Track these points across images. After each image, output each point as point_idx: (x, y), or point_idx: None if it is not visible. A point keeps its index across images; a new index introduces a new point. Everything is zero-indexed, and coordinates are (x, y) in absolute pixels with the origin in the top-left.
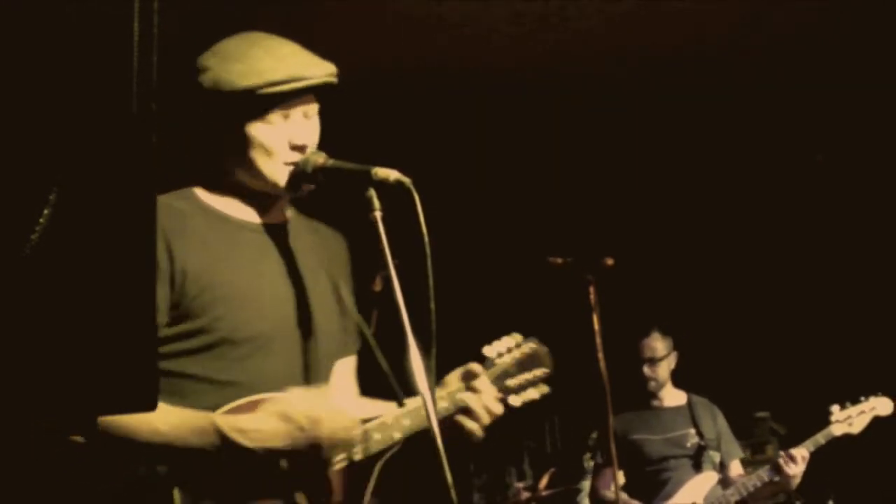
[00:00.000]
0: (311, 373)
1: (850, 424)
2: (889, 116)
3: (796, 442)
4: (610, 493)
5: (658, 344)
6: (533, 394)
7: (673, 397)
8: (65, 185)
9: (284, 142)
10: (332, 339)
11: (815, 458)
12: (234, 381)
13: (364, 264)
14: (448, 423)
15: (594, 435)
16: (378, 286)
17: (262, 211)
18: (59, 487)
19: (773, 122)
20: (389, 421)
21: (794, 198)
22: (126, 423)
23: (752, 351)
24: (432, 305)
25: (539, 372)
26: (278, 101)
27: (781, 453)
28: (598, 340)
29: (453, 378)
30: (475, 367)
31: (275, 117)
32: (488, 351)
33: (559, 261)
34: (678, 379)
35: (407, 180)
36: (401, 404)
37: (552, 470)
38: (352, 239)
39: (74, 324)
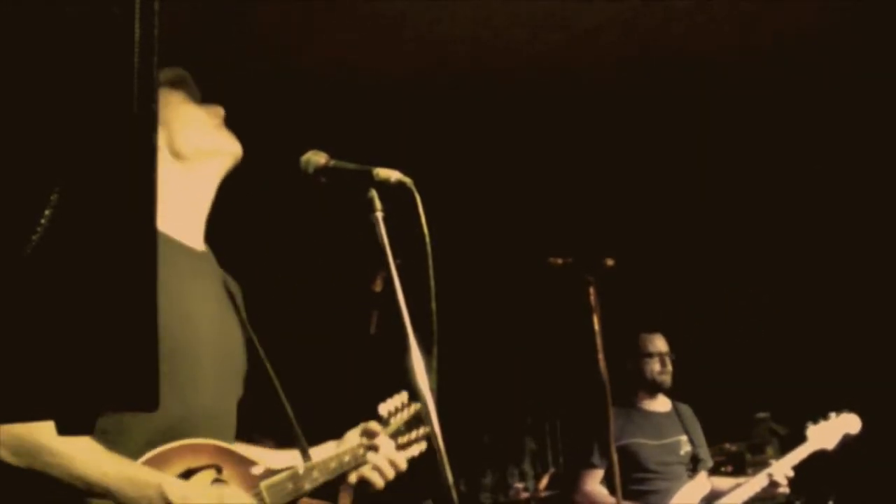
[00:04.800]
0: (224, 400)
1: (824, 440)
2: (889, 117)
3: (796, 442)
4: (606, 496)
5: (664, 342)
6: (415, 451)
7: (662, 402)
8: (66, 185)
9: None
10: (241, 371)
11: (816, 458)
12: (169, 411)
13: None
14: (346, 476)
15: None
16: (378, 287)
17: (191, 233)
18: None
19: (773, 123)
20: (301, 472)
21: (794, 199)
22: (68, 459)
23: (752, 352)
24: (433, 306)
25: (422, 431)
26: None
27: (768, 478)
28: (599, 341)
29: (353, 435)
30: (374, 425)
31: None
32: (383, 410)
33: (559, 261)
34: (679, 379)
35: (408, 181)
36: (307, 458)
37: (552, 470)
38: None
39: (75, 324)
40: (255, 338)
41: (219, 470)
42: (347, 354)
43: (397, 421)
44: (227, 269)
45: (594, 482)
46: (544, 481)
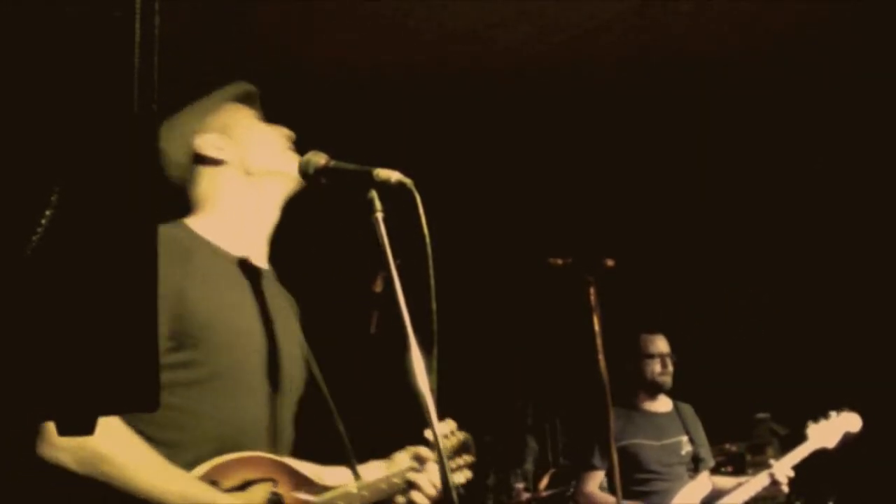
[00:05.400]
0: (280, 415)
1: (825, 439)
2: (890, 117)
3: (797, 442)
4: (604, 496)
5: (665, 343)
6: (460, 478)
7: (663, 402)
8: (66, 185)
9: None
10: (299, 387)
11: (816, 458)
12: (224, 419)
13: (364, 265)
14: (393, 499)
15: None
16: (378, 287)
17: (253, 248)
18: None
19: (773, 124)
20: (353, 491)
21: (794, 200)
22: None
23: (753, 352)
24: (433, 306)
25: (468, 458)
26: None
27: (770, 477)
28: (599, 341)
29: (402, 458)
30: (425, 451)
31: None
32: (430, 435)
33: (559, 262)
34: (679, 379)
35: (408, 181)
36: (357, 476)
37: (552, 471)
38: (352, 239)
39: (75, 324)
40: (311, 356)
41: (274, 483)
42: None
43: (445, 447)
44: None
45: (595, 483)
46: (544, 481)
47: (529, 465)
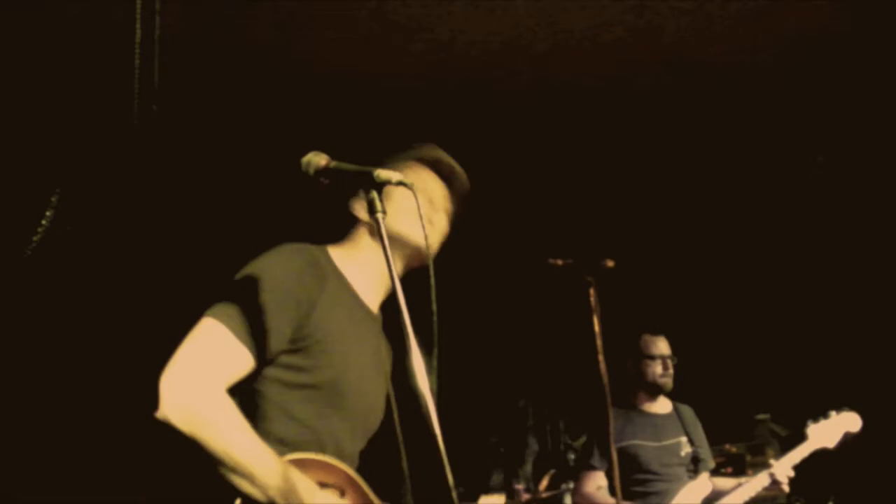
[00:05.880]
0: (355, 443)
1: (825, 439)
2: (889, 117)
3: (797, 443)
4: (604, 496)
5: (667, 344)
6: None
7: (663, 403)
8: (66, 185)
9: None
10: (374, 425)
11: (816, 458)
12: (310, 425)
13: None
14: None
15: (579, 442)
16: None
17: (372, 296)
18: None
19: (773, 125)
20: None
21: (794, 200)
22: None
23: (753, 353)
24: (434, 306)
25: None
26: None
27: (770, 477)
28: (599, 342)
29: None
30: None
31: None
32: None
33: (559, 262)
34: (679, 380)
35: (409, 182)
36: None
37: (552, 471)
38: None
39: (74, 324)
40: (393, 398)
41: (342, 493)
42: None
43: None
44: (226, 267)
45: (594, 483)
46: (545, 482)
47: (529, 466)
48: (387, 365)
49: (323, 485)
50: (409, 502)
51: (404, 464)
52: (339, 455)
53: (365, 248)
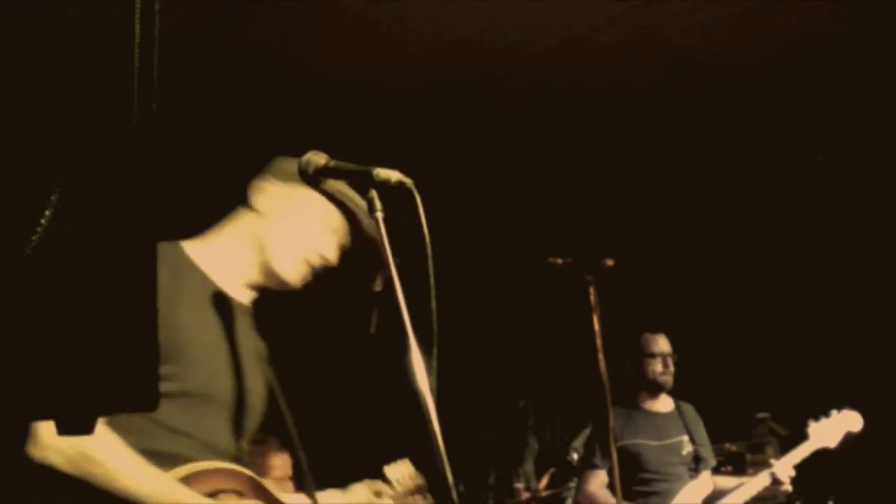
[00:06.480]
0: (245, 434)
1: (826, 438)
2: (889, 117)
3: (797, 442)
4: (606, 495)
5: (667, 342)
6: None
7: (664, 402)
8: (66, 186)
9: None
10: (257, 417)
11: (816, 458)
12: (193, 434)
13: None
14: None
15: (578, 442)
16: (378, 286)
17: (238, 287)
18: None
19: (773, 124)
20: None
21: (794, 199)
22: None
23: (753, 352)
24: (433, 305)
25: (420, 501)
26: None
27: (771, 476)
28: (598, 341)
29: (360, 489)
30: (384, 486)
31: None
32: (389, 474)
33: (559, 261)
34: (679, 379)
35: (408, 181)
36: (315, 502)
37: (552, 470)
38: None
39: (75, 324)
40: (279, 388)
41: (241, 496)
42: (348, 360)
43: (402, 486)
44: None
45: (596, 482)
46: (545, 481)
47: (530, 465)
48: (261, 353)
49: (218, 492)
50: (311, 492)
51: (300, 453)
52: (225, 456)
53: (231, 239)
